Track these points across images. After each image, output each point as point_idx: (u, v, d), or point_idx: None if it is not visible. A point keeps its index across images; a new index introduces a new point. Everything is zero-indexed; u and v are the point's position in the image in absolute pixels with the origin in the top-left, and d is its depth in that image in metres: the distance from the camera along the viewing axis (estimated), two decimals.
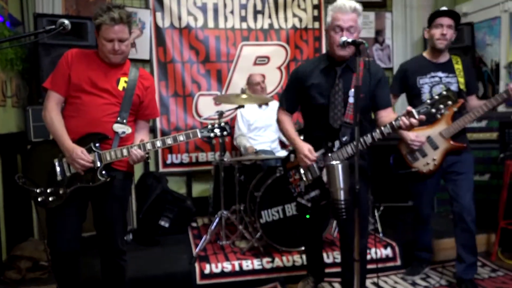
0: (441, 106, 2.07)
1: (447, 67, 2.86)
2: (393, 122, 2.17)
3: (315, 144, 2.38)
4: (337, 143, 2.33)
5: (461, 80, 2.83)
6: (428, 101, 2.12)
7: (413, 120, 2.10)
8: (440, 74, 2.85)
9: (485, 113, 2.75)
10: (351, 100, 2.32)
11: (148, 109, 2.42)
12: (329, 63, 2.37)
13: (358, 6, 2.26)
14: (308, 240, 2.84)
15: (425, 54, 2.96)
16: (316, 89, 2.37)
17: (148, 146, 2.23)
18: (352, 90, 2.29)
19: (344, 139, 2.31)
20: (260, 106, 4.09)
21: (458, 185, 2.83)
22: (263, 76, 4.19)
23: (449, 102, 2.07)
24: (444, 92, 2.09)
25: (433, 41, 2.82)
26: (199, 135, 2.25)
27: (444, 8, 2.85)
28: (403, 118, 2.12)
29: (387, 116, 2.36)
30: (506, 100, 2.72)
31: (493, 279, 3.08)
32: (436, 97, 2.10)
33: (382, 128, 2.21)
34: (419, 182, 2.95)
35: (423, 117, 2.10)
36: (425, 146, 2.83)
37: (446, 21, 2.77)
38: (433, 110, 2.09)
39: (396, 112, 3.15)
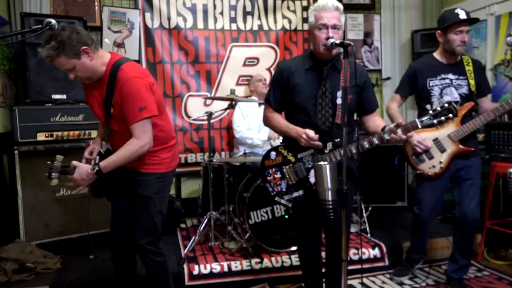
0: (443, 118, 2.11)
1: (458, 69, 2.80)
2: (383, 135, 2.19)
3: (301, 145, 2.28)
4: (329, 145, 2.27)
5: (472, 82, 2.76)
6: (431, 112, 2.15)
7: (400, 134, 2.13)
8: (450, 76, 2.80)
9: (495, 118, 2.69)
10: (339, 101, 2.27)
11: (124, 113, 2.18)
12: (314, 63, 2.31)
13: (340, 5, 2.24)
14: (307, 275, 2.57)
15: (435, 54, 2.88)
16: (301, 89, 2.30)
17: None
18: (340, 91, 2.23)
19: (337, 140, 2.25)
20: (259, 105, 4.11)
21: (464, 190, 2.80)
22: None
23: (450, 115, 2.10)
24: (446, 105, 2.12)
25: (452, 47, 2.73)
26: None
27: (463, 14, 2.70)
28: (393, 135, 2.14)
29: (373, 121, 2.37)
30: None
31: (479, 278, 3.12)
32: (439, 109, 2.13)
33: (372, 138, 2.22)
34: (422, 182, 2.88)
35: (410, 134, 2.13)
36: (432, 148, 2.78)
37: (466, 27, 2.71)
38: (435, 121, 2.13)
39: (401, 112, 3.12)
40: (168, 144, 2.38)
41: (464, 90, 2.78)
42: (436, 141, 2.80)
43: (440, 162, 2.78)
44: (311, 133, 2.20)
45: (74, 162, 2.18)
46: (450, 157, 2.78)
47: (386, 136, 2.19)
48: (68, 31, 2.06)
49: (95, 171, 2.13)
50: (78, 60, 2.10)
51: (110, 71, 2.17)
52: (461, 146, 2.76)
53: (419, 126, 2.14)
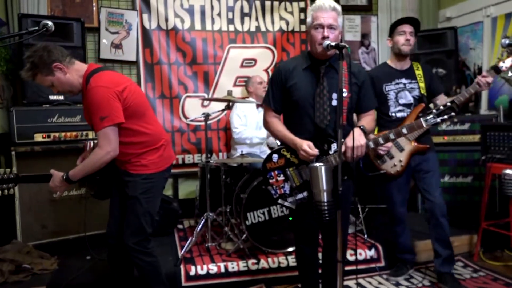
0: (446, 117, 2.26)
1: (409, 74, 3.01)
2: (388, 134, 2.38)
3: None
4: (334, 146, 2.24)
5: (422, 85, 2.99)
6: (434, 111, 2.30)
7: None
8: (403, 80, 3.00)
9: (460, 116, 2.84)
10: (334, 102, 2.27)
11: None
12: (311, 63, 2.32)
13: (338, 6, 2.28)
14: (304, 276, 2.59)
15: (389, 62, 3.10)
16: (298, 88, 2.30)
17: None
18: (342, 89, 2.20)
19: (343, 141, 2.14)
20: (257, 107, 4.12)
21: (427, 182, 2.97)
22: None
23: (453, 114, 2.25)
24: (449, 104, 2.27)
25: (397, 47, 2.96)
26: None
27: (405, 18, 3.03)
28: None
29: (363, 120, 2.39)
30: (472, 95, 2.80)
31: (474, 279, 3.13)
32: (442, 107, 2.27)
33: (378, 138, 2.36)
34: (388, 183, 3.06)
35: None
36: (392, 148, 2.96)
37: (408, 28, 2.94)
38: (439, 120, 2.28)
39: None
40: (154, 146, 2.40)
41: (416, 92, 2.98)
42: (394, 141, 2.95)
43: (400, 161, 2.97)
44: (309, 150, 2.20)
45: (51, 171, 2.29)
46: (408, 155, 2.96)
47: (392, 136, 2.35)
48: (40, 52, 2.19)
49: (64, 178, 2.25)
50: (53, 77, 2.23)
51: (85, 83, 2.24)
52: (416, 144, 2.95)
53: (424, 125, 2.34)
